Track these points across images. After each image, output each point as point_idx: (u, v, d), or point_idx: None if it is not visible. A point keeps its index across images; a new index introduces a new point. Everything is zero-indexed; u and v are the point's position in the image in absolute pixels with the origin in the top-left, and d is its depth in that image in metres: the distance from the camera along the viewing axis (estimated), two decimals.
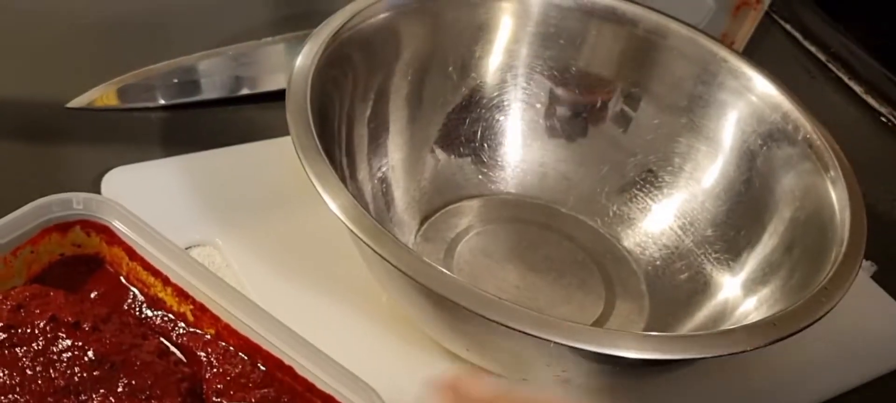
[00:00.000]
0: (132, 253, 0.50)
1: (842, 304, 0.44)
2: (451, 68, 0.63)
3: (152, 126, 0.67)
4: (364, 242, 0.44)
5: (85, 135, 0.65)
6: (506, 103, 0.65)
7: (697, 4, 0.92)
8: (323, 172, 0.47)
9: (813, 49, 0.91)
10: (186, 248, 0.57)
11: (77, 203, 0.50)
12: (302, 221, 0.59)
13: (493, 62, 0.64)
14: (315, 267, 0.57)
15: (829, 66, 0.89)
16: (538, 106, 0.65)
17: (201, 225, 0.59)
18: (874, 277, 0.67)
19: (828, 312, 0.46)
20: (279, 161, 0.63)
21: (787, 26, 0.93)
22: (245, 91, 0.71)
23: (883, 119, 0.86)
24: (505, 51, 0.65)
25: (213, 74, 0.71)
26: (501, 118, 0.65)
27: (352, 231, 0.45)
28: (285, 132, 0.50)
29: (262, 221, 0.60)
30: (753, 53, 0.88)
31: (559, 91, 0.65)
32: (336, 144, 0.55)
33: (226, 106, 0.69)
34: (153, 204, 0.58)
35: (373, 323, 0.55)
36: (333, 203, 0.45)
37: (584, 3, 0.64)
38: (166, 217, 0.57)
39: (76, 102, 0.67)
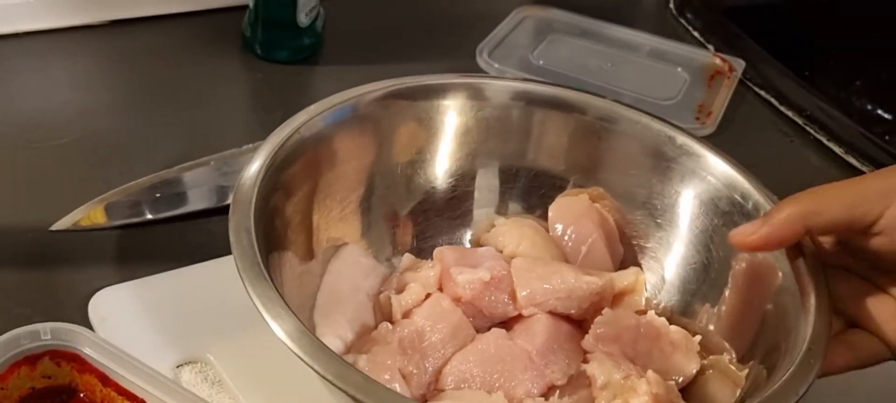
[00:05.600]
0: (105, 380, 0.50)
1: None
2: (398, 172, 0.63)
3: (138, 243, 0.67)
4: (312, 368, 0.45)
5: (70, 258, 0.65)
6: (458, 202, 0.64)
7: (672, 78, 0.93)
8: (266, 293, 0.47)
9: (789, 113, 0.91)
10: (177, 366, 0.57)
11: (44, 333, 0.49)
12: None
13: (440, 163, 0.64)
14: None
15: (807, 128, 0.89)
16: (491, 199, 0.65)
17: (192, 342, 0.59)
18: None
19: None
20: None
21: (762, 92, 0.94)
22: (230, 200, 0.72)
23: None
24: (451, 152, 0.64)
25: (197, 185, 0.72)
26: (455, 219, 0.64)
27: (298, 356, 0.45)
28: None
29: (253, 333, 0.56)
30: (731, 121, 0.89)
31: (511, 187, 0.64)
32: (284, 261, 0.55)
33: (211, 217, 0.69)
34: (142, 324, 0.59)
35: None
36: (277, 325, 0.46)
37: (530, 92, 0.64)
38: (156, 335, 0.58)
39: (60, 224, 0.67)
